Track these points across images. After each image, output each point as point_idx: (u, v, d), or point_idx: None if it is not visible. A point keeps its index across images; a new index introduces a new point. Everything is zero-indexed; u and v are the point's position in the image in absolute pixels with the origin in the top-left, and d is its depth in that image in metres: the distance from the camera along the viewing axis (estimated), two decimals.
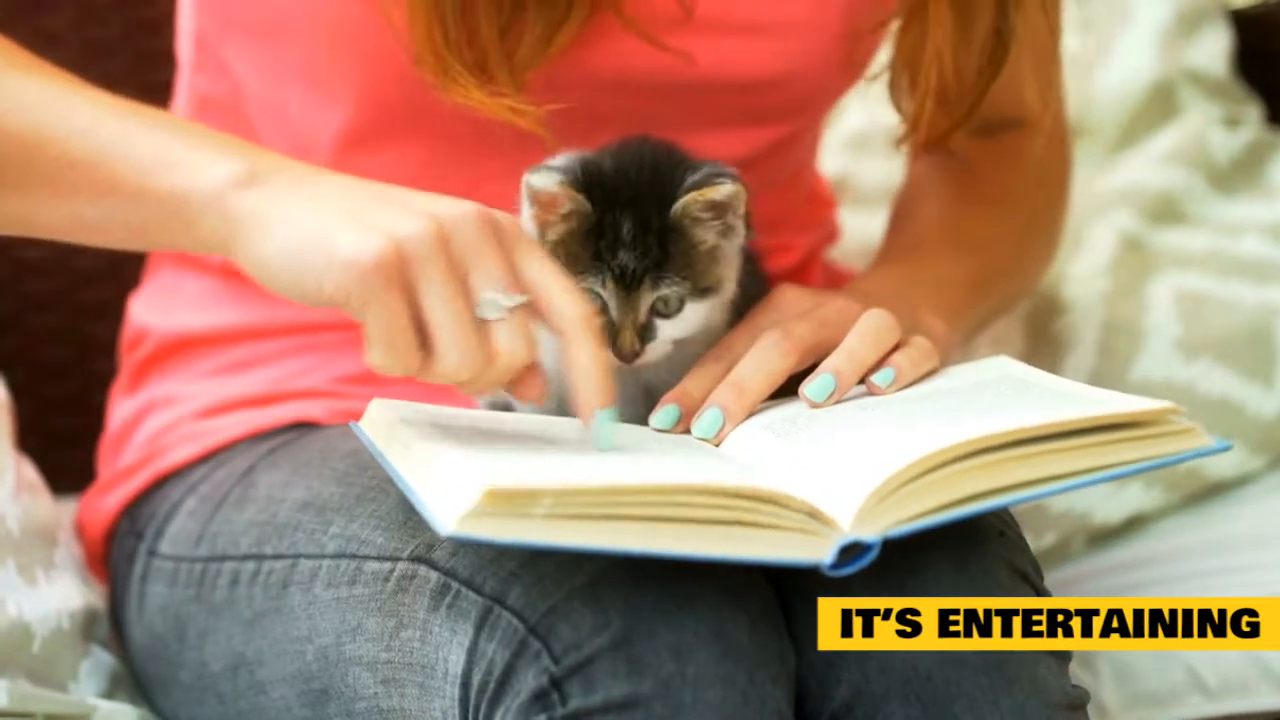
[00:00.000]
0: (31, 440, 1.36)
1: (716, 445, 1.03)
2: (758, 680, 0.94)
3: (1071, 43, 1.70)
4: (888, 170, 1.47)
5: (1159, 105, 1.67)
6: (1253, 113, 1.69)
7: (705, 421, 1.03)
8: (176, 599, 1.20)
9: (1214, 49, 1.69)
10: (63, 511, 1.34)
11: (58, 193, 1.03)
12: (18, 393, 1.37)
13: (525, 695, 0.94)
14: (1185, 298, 1.52)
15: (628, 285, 1.04)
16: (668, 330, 1.05)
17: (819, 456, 0.97)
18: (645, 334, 1.05)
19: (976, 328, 1.29)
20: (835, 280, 1.35)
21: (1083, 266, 1.55)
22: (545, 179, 1.03)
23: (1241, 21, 1.73)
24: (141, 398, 1.29)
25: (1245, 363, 1.49)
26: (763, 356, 1.05)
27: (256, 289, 1.11)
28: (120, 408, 1.32)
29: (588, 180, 1.05)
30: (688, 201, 1.04)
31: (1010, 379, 1.06)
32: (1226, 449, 0.98)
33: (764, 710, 0.94)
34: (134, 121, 1.02)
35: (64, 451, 1.42)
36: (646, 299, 1.05)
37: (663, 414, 1.05)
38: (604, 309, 1.05)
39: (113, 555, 1.28)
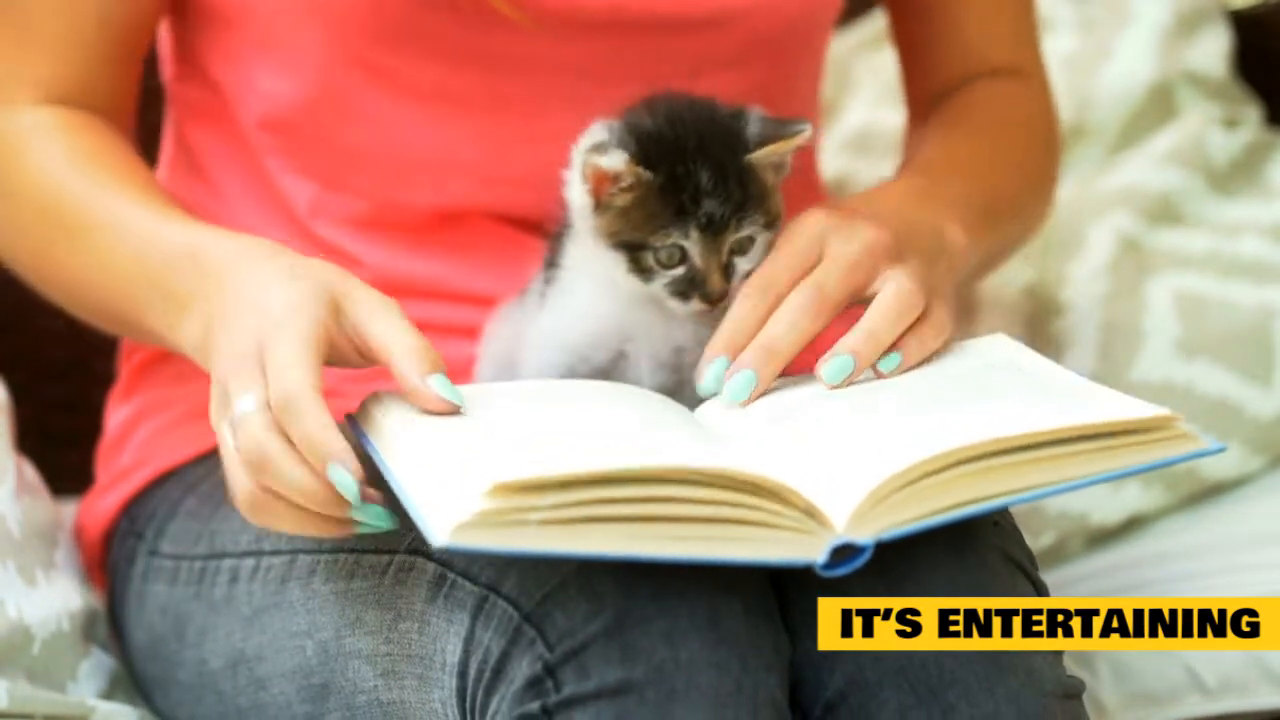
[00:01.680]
0: (31, 441, 1.36)
1: (745, 406, 1.04)
2: (751, 667, 0.94)
3: (1071, 43, 1.70)
4: (888, 171, 1.46)
5: (1158, 106, 1.67)
6: (1252, 113, 1.69)
7: (738, 385, 1.04)
8: (176, 597, 1.20)
9: (1213, 49, 1.69)
10: (62, 513, 1.34)
11: (104, 320, 1.21)
12: (17, 394, 1.37)
13: (520, 683, 0.94)
14: (1184, 298, 1.52)
15: (715, 230, 1.06)
16: (744, 266, 1.08)
17: (817, 449, 0.97)
18: (727, 273, 1.07)
19: (986, 261, 1.28)
20: None
21: (1082, 267, 1.55)
22: (614, 160, 1.05)
23: (1241, 22, 1.72)
24: (139, 402, 1.30)
25: (1244, 363, 1.49)
26: (795, 318, 1.05)
27: None
28: (118, 412, 1.32)
29: (642, 145, 1.06)
30: (769, 151, 1.06)
31: (1007, 364, 1.06)
32: (1221, 450, 0.98)
33: (757, 697, 0.94)
34: (146, 268, 1.12)
35: (63, 453, 1.42)
36: (730, 240, 1.07)
37: (714, 368, 1.05)
38: (683, 259, 1.06)
39: (112, 556, 1.29)
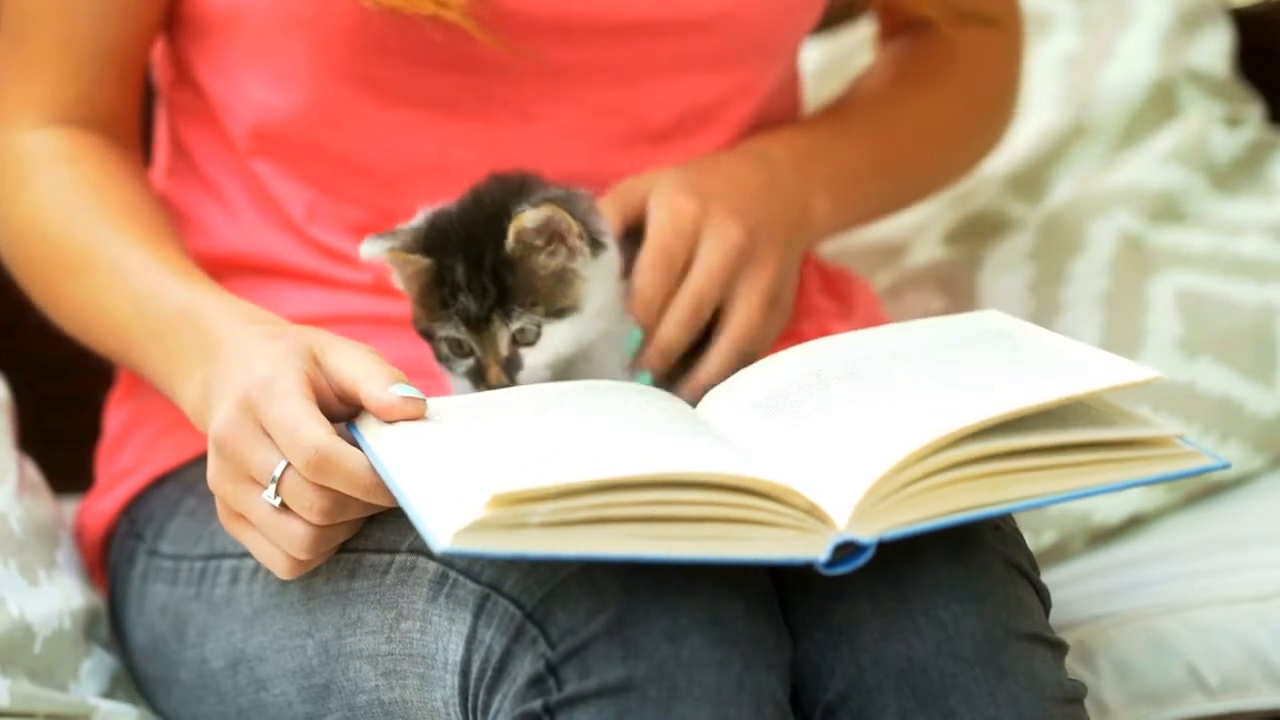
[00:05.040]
0: (31, 440, 1.36)
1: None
2: (753, 665, 0.94)
3: (1072, 42, 1.70)
4: None
5: (1160, 104, 1.67)
6: (1253, 112, 1.69)
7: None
8: (177, 598, 1.20)
9: (1215, 48, 1.69)
10: (63, 512, 1.33)
11: (105, 354, 1.22)
12: (18, 392, 1.37)
13: (521, 681, 0.95)
14: (1186, 297, 1.52)
15: (476, 325, 1.08)
16: (534, 358, 1.09)
17: (816, 441, 0.97)
18: (511, 366, 1.09)
19: (877, 210, 1.34)
20: (827, 279, 1.36)
21: (1083, 266, 1.55)
22: (371, 248, 1.09)
23: (1242, 21, 1.72)
24: (139, 403, 1.30)
25: (1246, 362, 1.49)
26: (682, 323, 1.14)
27: (248, 297, 1.16)
28: (118, 414, 1.32)
29: (433, 232, 1.09)
30: (513, 234, 1.07)
31: (1000, 333, 1.06)
32: (1226, 466, 0.98)
33: (759, 695, 0.94)
34: (145, 321, 1.14)
35: (64, 452, 1.42)
36: (502, 334, 1.08)
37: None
38: (471, 350, 1.09)
39: (112, 557, 1.28)
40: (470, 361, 1.09)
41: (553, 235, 1.08)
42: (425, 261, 1.08)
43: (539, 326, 1.08)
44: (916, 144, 1.32)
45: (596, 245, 1.10)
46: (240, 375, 1.02)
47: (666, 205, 1.16)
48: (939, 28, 1.36)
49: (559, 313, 1.08)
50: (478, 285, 1.07)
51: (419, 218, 1.11)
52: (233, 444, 1.02)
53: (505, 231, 1.07)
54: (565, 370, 1.11)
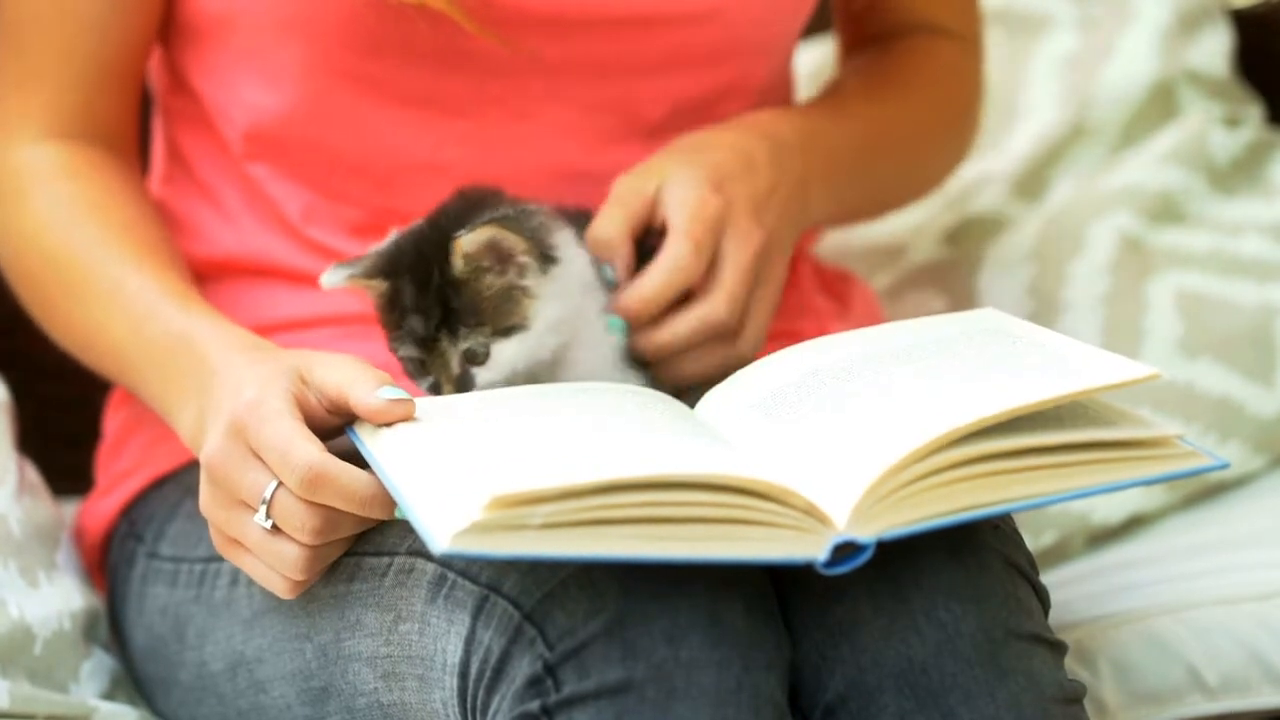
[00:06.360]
0: (31, 441, 1.36)
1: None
2: (752, 666, 0.94)
3: (1072, 42, 1.70)
4: (887, 169, 1.46)
5: (1159, 105, 1.67)
6: (1253, 112, 1.69)
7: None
8: (176, 599, 1.20)
9: (1214, 49, 1.69)
10: (63, 513, 1.34)
11: (103, 374, 1.22)
12: (18, 393, 1.37)
13: (520, 682, 0.95)
14: (1186, 297, 1.52)
15: (424, 344, 1.08)
16: (485, 376, 1.09)
17: (812, 441, 0.97)
18: (464, 385, 1.09)
19: (855, 209, 1.34)
20: (825, 279, 1.36)
21: (1083, 266, 1.55)
22: (331, 278, 1.10)
23: (1242, 21, 1.72)
24: (138, 405, 1.29)
25: (1246, 362, 1.49)
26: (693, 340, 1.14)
27: (245, 298, 1.19)
28: (117, 416, 1.32)
29: (394, 254, 1.10)
30: (458, 258, 1.07)
31: (998, 332, 1.06)
32: (1225, 466, 0.98)
33: (758, 696, 0.94)
34: (142, 344, 1.15)
35: (64, 453, 1.42)
36: (450, 354, 1.08)
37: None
38: (429, 369, 1.10)
39: (112, 558, 1.29)
40: (430, 379, 1.10)
41: (501, 255, 1.08)
42: (382, 285, 1.09)
43: (487, 347, 1.08)
44: (893, 147, 1.32)
45: (547, 260, 1.09)
46: (229, 401, 1.03)
47: (691, 196, 1.13)
48: (903, 41, 1.36)
49: (506, 331, 1.09)
50: (423, 306, 1.08)
51: (386, 240, 1.11)
52: (223, 469, 1.02)
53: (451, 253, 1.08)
54: (546, 372, 1.11)
